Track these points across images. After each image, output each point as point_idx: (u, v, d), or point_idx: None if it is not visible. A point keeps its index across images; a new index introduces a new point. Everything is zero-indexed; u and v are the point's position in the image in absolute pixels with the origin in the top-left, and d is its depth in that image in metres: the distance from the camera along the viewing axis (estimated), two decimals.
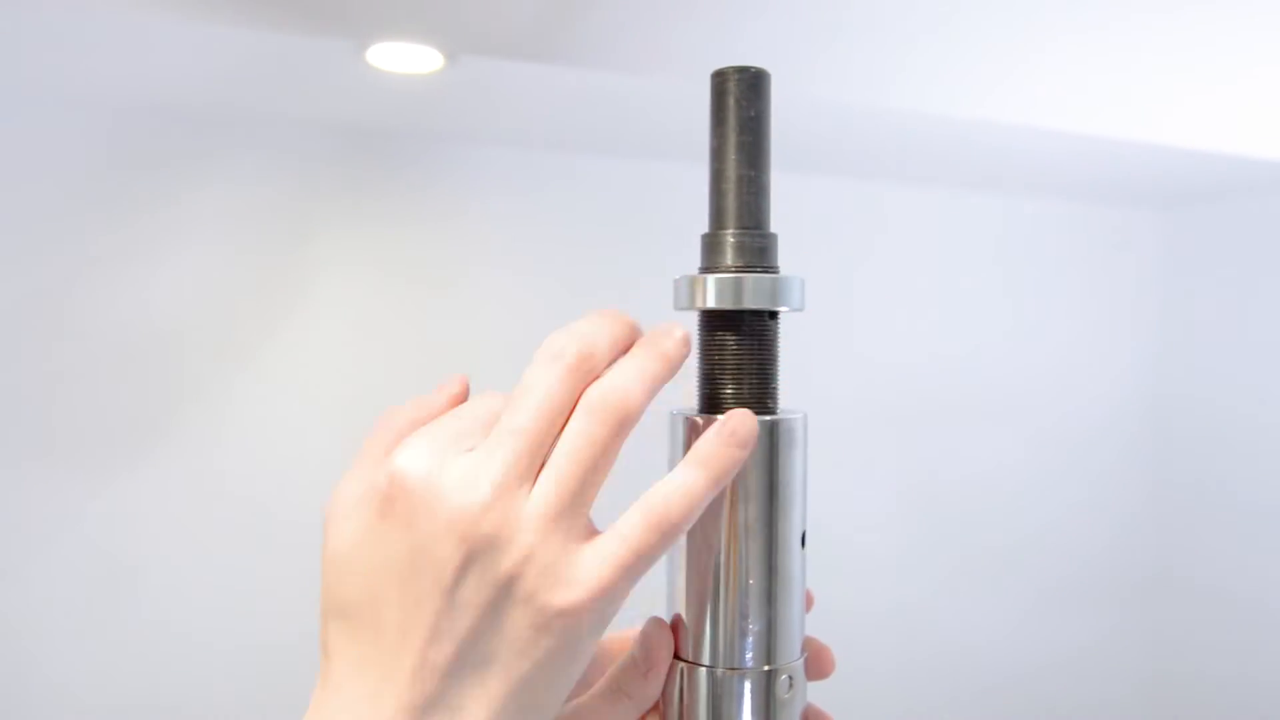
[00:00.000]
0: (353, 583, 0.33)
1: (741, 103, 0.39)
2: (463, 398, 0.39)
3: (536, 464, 0.33)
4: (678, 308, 0.40)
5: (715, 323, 0.39)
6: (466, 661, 0.32)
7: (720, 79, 0.39)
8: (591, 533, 0.34)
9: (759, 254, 0.39)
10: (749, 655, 0.38)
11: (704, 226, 0.40)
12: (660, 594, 0.41)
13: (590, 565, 0.32)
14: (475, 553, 0.31)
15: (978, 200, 1.85)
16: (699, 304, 0.38)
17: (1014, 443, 1.90)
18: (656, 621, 0.40)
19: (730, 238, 0.39)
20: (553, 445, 0.33)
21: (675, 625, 0.39)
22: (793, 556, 0.39)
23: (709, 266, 0.39)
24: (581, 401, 0.34)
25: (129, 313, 1.31)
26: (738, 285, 0.38)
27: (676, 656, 0.39)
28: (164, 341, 1.33)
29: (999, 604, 1.89)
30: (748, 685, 0.38)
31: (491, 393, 0.36)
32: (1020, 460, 1.91)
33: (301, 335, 1.40)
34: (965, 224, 1.85)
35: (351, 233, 1.43)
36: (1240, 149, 1.40)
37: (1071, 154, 1.49)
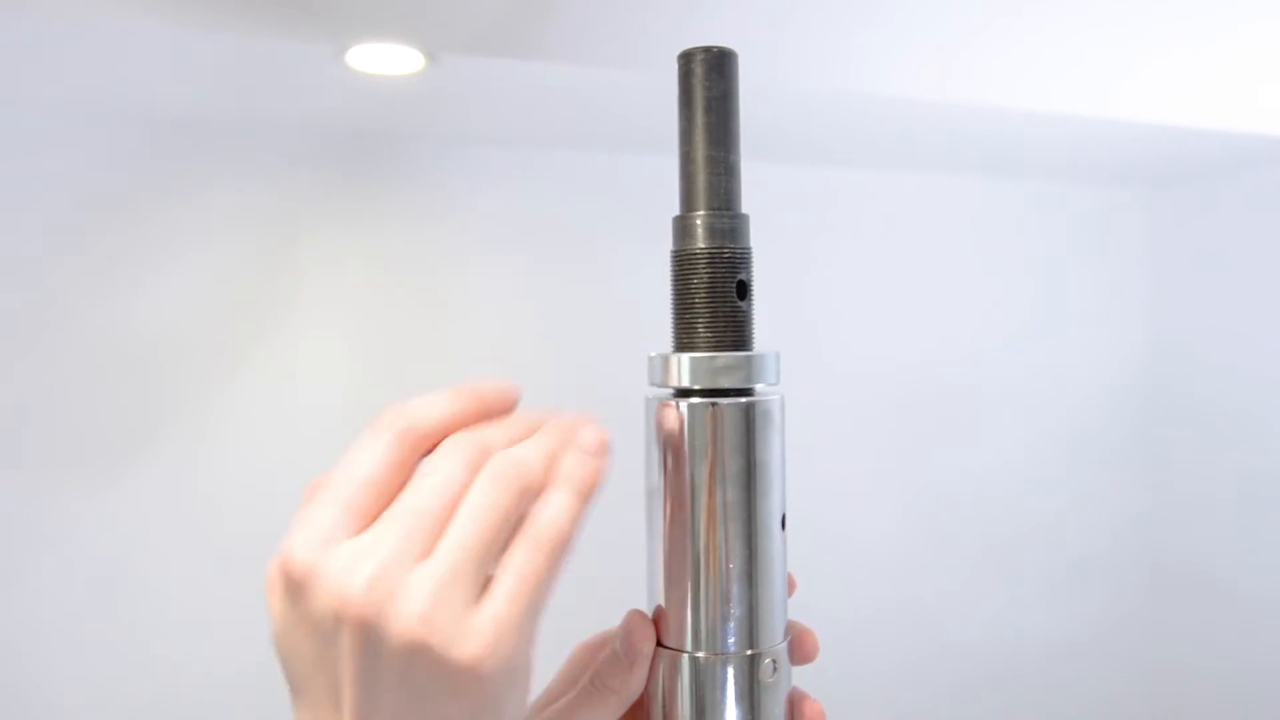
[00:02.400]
0: (289, 663, 0.34)
1: (707, 83, 0.39)
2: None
3: (431, 541, 0.32)
4: (651, 383, 0.40)
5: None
6: None
7: (686, 60, 0.39)
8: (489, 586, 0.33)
9: (729, 235, 0.39)
10: (731, 640, 0.38)
11: None
12: (643, 586, 0.40)
13: (486, 611, 0.31)
14: (368, 632, 0.31)
15: (960, 186, 1.84)
16: (673, 383, 0.39)
17: (1009, 435, 1.90)
18: (637, 614, 0.39)
19: (700, 220, 0.39)
20: (449, 518, 0.33)
21: (657, 616, 0.39)
22: (773, 539, 0.39)
23: (683, 248, 0.39)
24: (483, 471, 0.34)
25: (120, 321, 1.31)
26: (712, 363, 0.38)
27: (659, 644, 0.39)
28: (155, 349, 1.32)
29: (999, 597, 1.89)
30: (731, 670, 0.37)
31: (369, 447, 0.36)
32: (1016, 453, 1.90)
33: (293, 338, 1.40)
34: (949, 212, 1.85)
35: (339, 236, 1.43)
36: (1226, 123, 1.39)
37: (1057, 136, 1.49)
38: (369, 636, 0.30)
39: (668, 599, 0.39)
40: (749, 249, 0.39)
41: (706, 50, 0.39)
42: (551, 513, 0.34)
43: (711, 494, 0.38)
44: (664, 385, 0.39)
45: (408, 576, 0.31)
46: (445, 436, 0.36)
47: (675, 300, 0.39)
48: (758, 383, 0.38)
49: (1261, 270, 1.81)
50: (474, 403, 0.37)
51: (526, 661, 0.33)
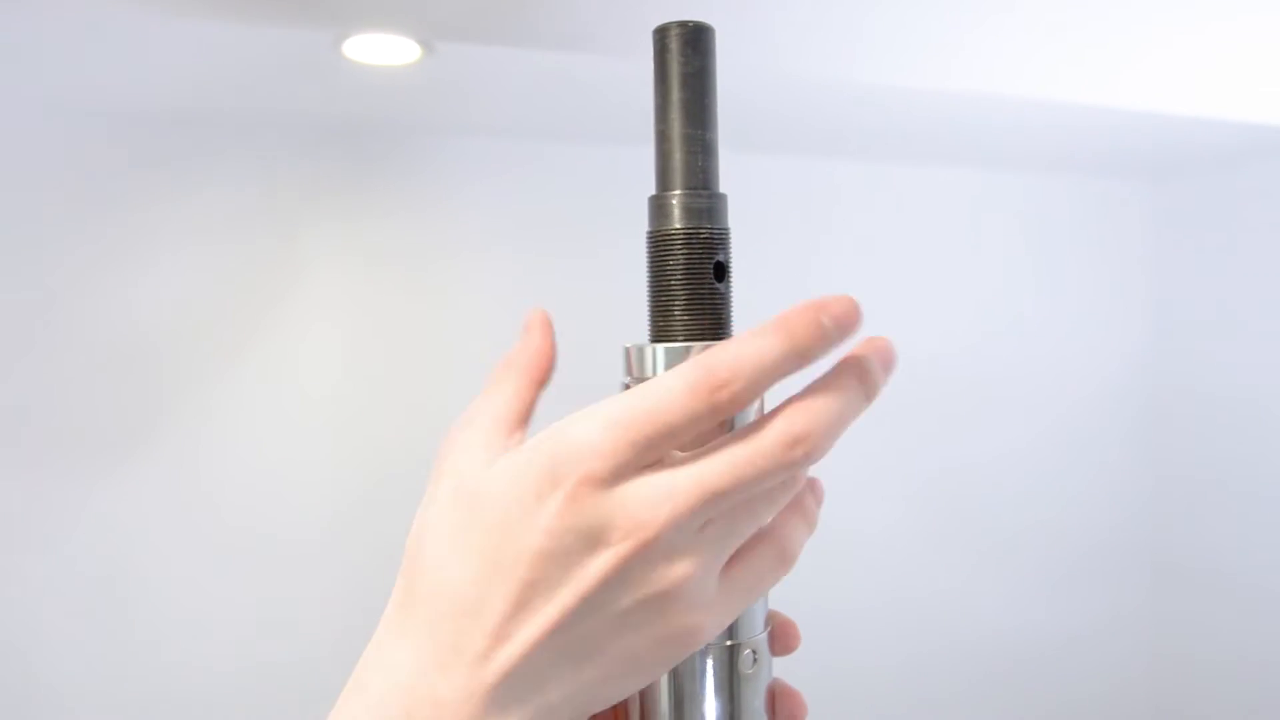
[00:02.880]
0: (484, 533, 0.32)
1: (682, 59, 0.37)
2: (548, 348, 0.42)
3: (720, 513, 0.32)
4: (627, 375, 0.38)
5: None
6: (569, 648, 0.32)
7: (661, 35, 0.38)
8: (724, 567, 0.34)
9: (706, 215, 0.38)
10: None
11: None
12: None
13: (725, 591, 0.33)
14: (636, 564, 0.31)
15: (961, 177, 1.82)
16: (648, 375, 0.37)
17: (1010, 429, 1.88)
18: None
19: (676, 199, 0.38)
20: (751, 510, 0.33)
21: None
22: None
23: (658, 228, 0.38)
24: (798, 496, 0.36)
25: (119, 316, 1.31)
26: (687, 354, 0.36)
27: None
28: (152, 344, 1.32)
29: (1000, 592, 1.87)
30: (710, 661, 0.36)
31: (678, 383, 0.31)
32: (1017, 447, 1.89)
33: (293, 332, 1.40)
34: (951, 204, 1.83)
35: (336, 229, 1.42)
36: (1228, 113, 1.37)
37: (1057, 126, 1.47)
38: (633, 570, 0.31)
39: None
40: (727, 230, 0.38)
41: (682, 25, 0.38)
42: (797, 536, 0.36)
43: None
44: (640, 378, 0.37)
45: (694, 538, 0.31)
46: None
47: (651, 284, 0.38)
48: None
49: (1263, 262, 1.78)
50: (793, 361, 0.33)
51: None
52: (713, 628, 0.33)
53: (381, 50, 1.06)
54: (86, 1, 0.91)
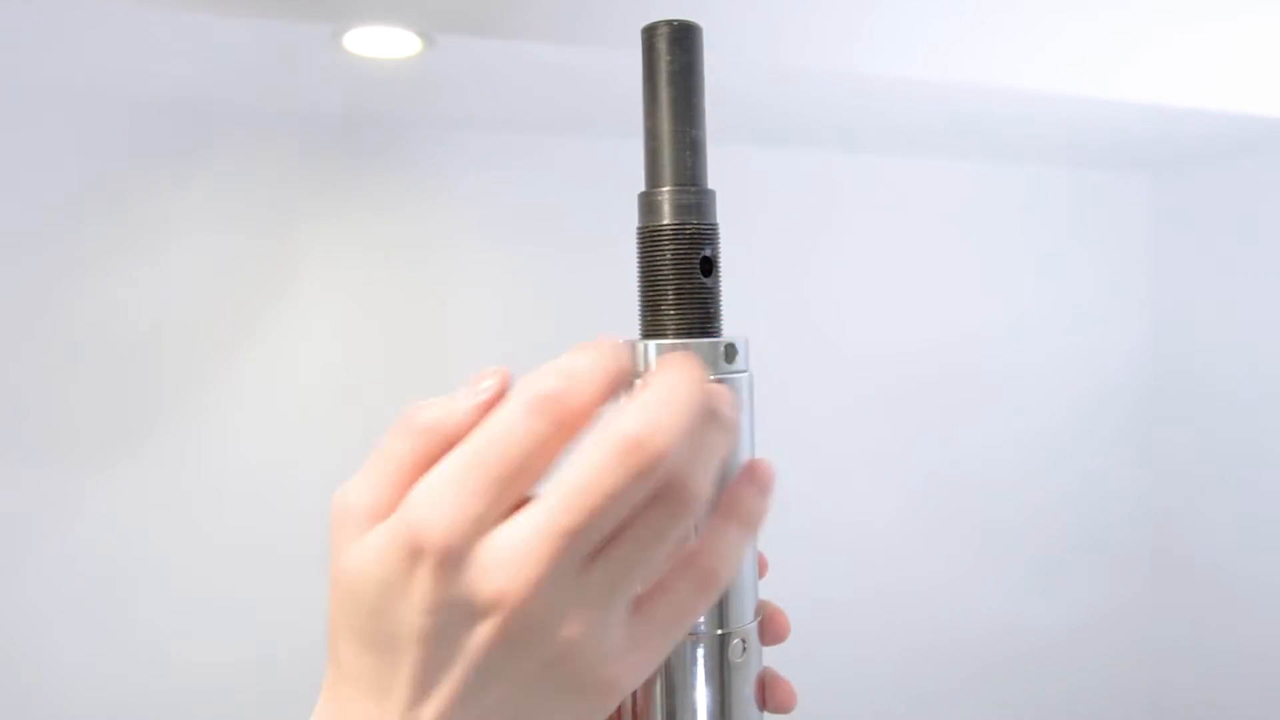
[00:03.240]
0: (361, 633, 0.32)
1: (669, 57, 0.38)
2: (495, 403, 0.33)
3: (591, 549, 0.30)
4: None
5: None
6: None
7: (649, 34, 0.39)
8: (634, 607, 0.32)
9: (694, 211, 0.38)
10: (700, 620, 0.37)
11: None
12: None
13: (640, 636, 0.31)
14: (520, 631, 0.29)
15: (963, 170, 1.82)
16: (639, 370, 0.37)
17: (1009, 421, 1.88)
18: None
19: (666, 196, 0.38)
20: (613, 535, 0.30)
21: None
22: None
23: (647, 224, 0.39)
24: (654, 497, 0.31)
25: (118, 310, 1.31)
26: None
27: None
28: (152, 339, 1.33)
29: (999, 583, 1.88)
30: (700, 650, 0.37)
31: (515, 408, 0.31)
32: (1016, 438, 1.89)
33: (293, 325, 1.40)
34: (951, 196, 1.83)
35: (335, 223, 1.43)
36: (1229, 106, 1.36)
37: (1058, 118, 1.46)
38: (517, 635, 0.29)
39: None
40: (715, 225, 0.39)
41: (669, 23, 0.38)
42: (724, 551, 0.33)
43: None
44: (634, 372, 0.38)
45: (575, 586, 0.29)
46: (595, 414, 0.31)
47: (641, 280, 0.39)
48: (725, 370, 0.38)
49: (1263, 254, 1.78)
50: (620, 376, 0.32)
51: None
52: (630, 677, 0.31)
53: (381, 43, 1.06)
54: None
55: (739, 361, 0.38)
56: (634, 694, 0.38)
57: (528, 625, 0.29)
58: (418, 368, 1.47)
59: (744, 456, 0.38)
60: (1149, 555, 2.00)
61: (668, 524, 0.30)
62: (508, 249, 1.51)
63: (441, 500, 0.29)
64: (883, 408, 1.77)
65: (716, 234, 0.39)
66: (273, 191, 1.39)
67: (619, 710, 0.38)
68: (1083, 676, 1.95)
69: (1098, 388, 1.96)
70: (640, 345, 0.37)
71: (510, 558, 0.29)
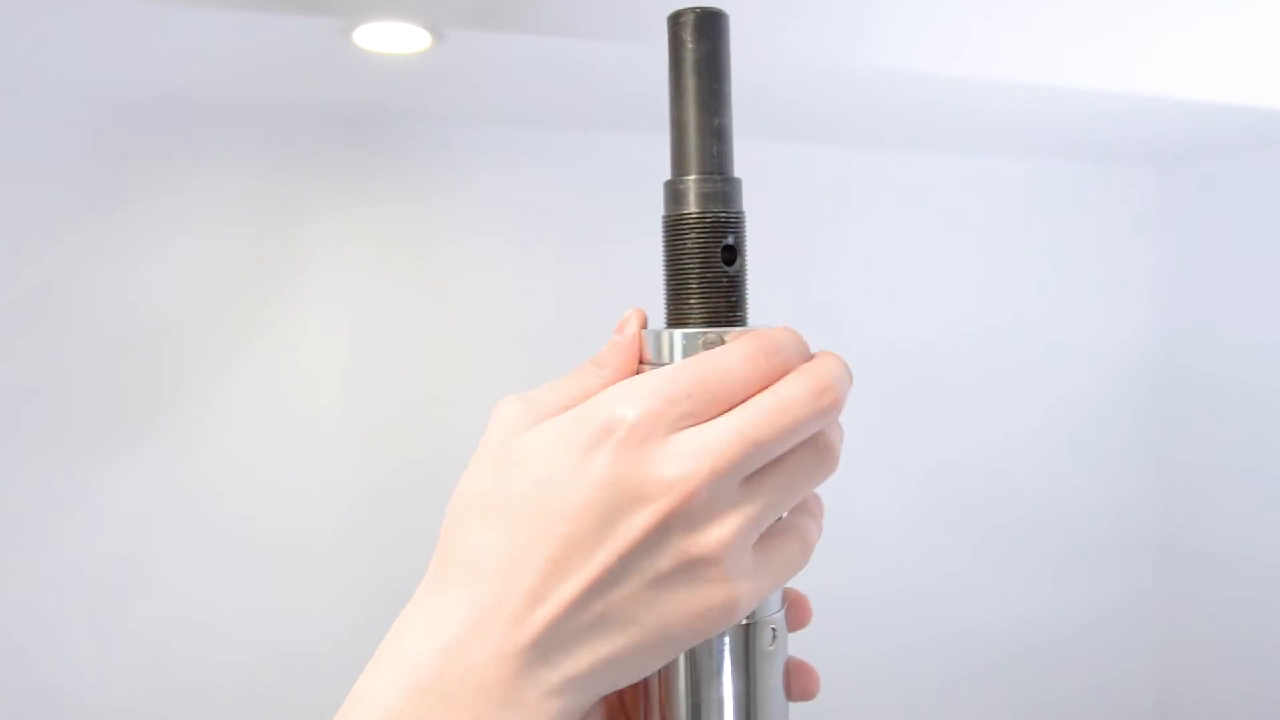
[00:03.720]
0: (525, 493, 0.32)
1: (694, 44, 0.38)
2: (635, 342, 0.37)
3: (757, 470, 0.32)
4: (645, 360, 0.38)
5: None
6: (604, 613, 0.31)
7: (674, 21, 0.38)
8: (760, 541, 0.34)
9: (718, 199, 0.38)
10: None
11: None
12: None
13: (769, 565, 0.34)
14: (676, 523, 0.30)
15: (968, 164, 1.82)
16: (665, 360, 0.37)
17: (1018, 416, 1.88)
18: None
19: (692, 184, 0.38)
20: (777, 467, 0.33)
21: None
22: None
23: (671, 213, 0.38)
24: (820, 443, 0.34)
25: (127, 304, 1.32)
26: (703, 339, 0.36)
27: None
28: (161, 333, 1.33)
29: (1008, 577, 1.87)
30: (727, 640, 0.37)
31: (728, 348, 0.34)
32: (1022, 433, 1.88)
33: (301, 319, 1.40)
34: (957, 190, 1.82)
35: (344, 216, 1.43)
36: (1238, 99, 1.36)
37: (1066, 111, 1.46)
38: (674, 524, 0.30)
39: None
40: (740, 213, 0.38)
41: (694, 10, 0.38)
42: (811, 535, 0.36)
43: None
44: (656, 363, 0.38)
45: (737, 495, 0.31)
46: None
47: (666, 269, 0.39)
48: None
49: (1269, 249, 1.77)
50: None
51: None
52: (747, 602, 0.32)
53: (392, 38, 1.06)
54: None
55: None
56: (661, 684, 0.37)
57: (688, 517, 0.30)
58: (427, 362, 1.47)
59: None
60: (1155, 550, 2.00)
61: (816, 469, 0.34)
62: (517, 242, 1.51)
63: (638, 396, 0.31)
64: (888, 402, 1.77)
65: (742, 222, 0.39)
66: (281, 185, 1.39)
67: (647, 697, 0.38)
68: (1090, 672, 1.95)
69: (1104, 382, 1.96)
70: (666, 334, 0.37)
71: (695, 451, 0.30)
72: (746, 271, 0.39)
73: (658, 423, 0.31)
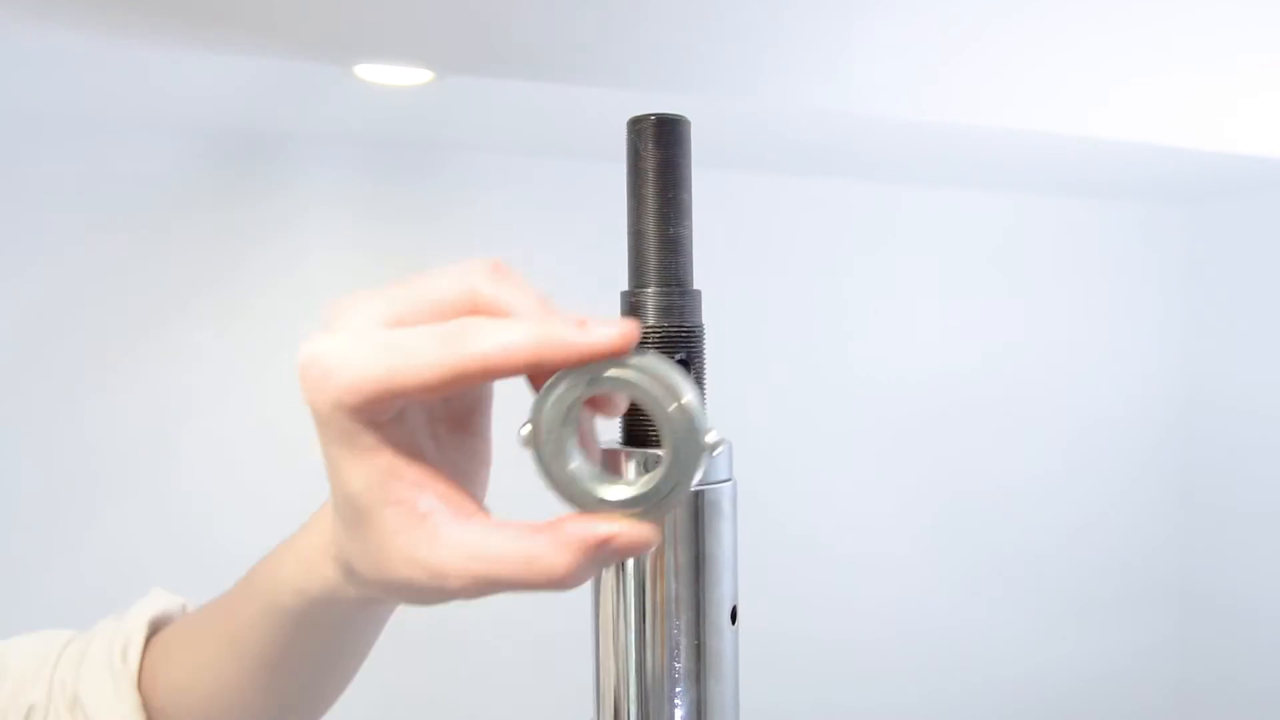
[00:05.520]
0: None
1: (654, 152, 0.37)
2: None
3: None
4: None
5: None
6: None
7: (633, 128, 0.37)
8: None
9: (676, 313, 0.37)
10: None
11: None
12: (589, 679, 0.39)
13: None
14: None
15: (992, 200, 1.79)
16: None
17: (1036, 452, 1.85)
18: None
19: (649, 296, 0.37)
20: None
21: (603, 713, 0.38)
22: (722, 635, 0.37)
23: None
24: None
25: (126, 328, 1.32)
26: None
27: None
28: (165, 358, 1.33)
29: (1026, 622, 1.84)
30: None
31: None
32: (1043, 470, 1.85)
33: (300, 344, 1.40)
34: (979, 225, 1.80)
35: (353, 239, 1.43)
36: (1261, 145, 1.34)
37: (1088, 154, 1.44)
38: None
39: (615, 695, 0.37)
40: (697, 327, 0.37)
41: (652, 118, 0.37)
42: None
43: (657, 587, 0.36)
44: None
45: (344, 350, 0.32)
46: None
47: None
48: (706, 480, 0.36)
49: None
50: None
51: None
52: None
53: (393, 73, 1.06)
54: (133, 34, 0.92)
55: (721, 468, 0.37)
56: None
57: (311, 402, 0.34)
58: None
59: (725, 567, 0.37)
60: (1178, 596, 1.95)
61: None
62: (521, 266, 1.50)
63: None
64: (902, 440, 1.74)
65: (698, 335, 0.37)
66: (283, 212, 1.39)
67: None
68: (1107, 713, 1.91)
69: (1126, 422, 1.92)
70: (621, 453, 0.36)
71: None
72: (703, 384, 0.38)
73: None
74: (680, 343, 0.37)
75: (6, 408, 1.26)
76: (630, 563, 0.36)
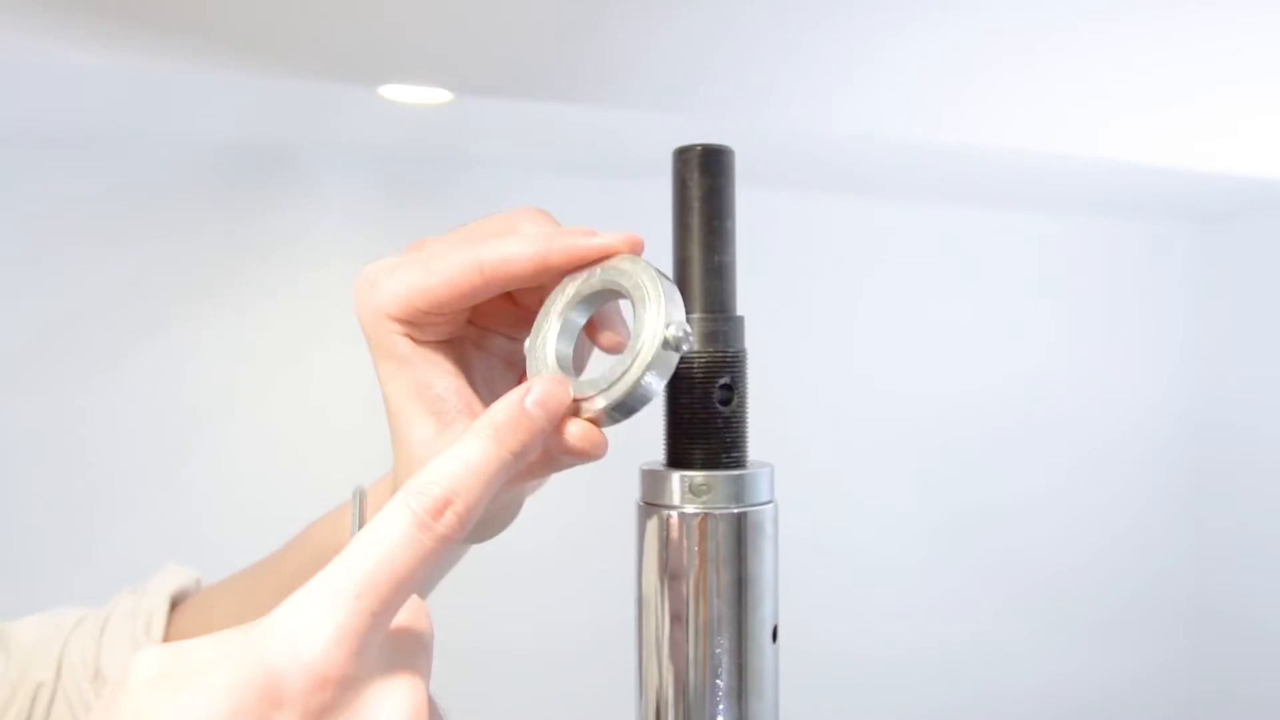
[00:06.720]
0: None
1: (699, 181, 0.38)
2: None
3: None
4: (643, 498, 0.38)
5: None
6: None
7: (679, 158, 0.38)
8: None
9: (721, 339, 0.38)
10: None
11: None
12: (633, 697, 0.39)
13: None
14: None
15: (1007, 220, 1.80)
16: (662, 500, 0.37)
17: (1051, 476, 1.85)
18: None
19: (696, 324, 0.38)
20: None
21: None
22: (764, 654, 0.37)
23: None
24: None
25: (143, 344, 1.33)
26: (701, 483, 0.36)
27: None
28: (181, 376, 1.34)
29: (1040, 641, 1.84)
30: None
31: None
32: (1059, 494, 1.85)
33: (323, 358, 1.41)
34: (995, 245, 1.81)
35: (372, 256, 1.43)
36: (1274, 171, 1.35)
37: (1103, 175, 1.45)
38: None
39: (657, 711, 0.38)
40: (740, 352, 0.38)
41: (698, 148, 0.38)
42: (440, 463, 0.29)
43: (700, 607, 0.37)
44: (654, 501, 0.37)
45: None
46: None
47: (666, 408, 0.38)
48: (748, 503, 0.37)
49: None
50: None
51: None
52: None
53: (414, 93, 1.08)
54: (168, 59, 0.94)
55: (762, 491, 0.38)
56: None
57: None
58: None
59: (767, 587, 0.38)
60: (1190, 615, 1.95)
61: None
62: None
63: (317, 639, 0.25)
64: (918, 460, 1.75)
65: (741, 361, 0.38)
66: (304, 228, 1.40)
67: None
68: None
69: (1139, 443, 1.92)
70: (664, 475, 0.37)
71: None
72: (746, 409, 0.38)
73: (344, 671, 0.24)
74: (725, 368, 0.37)
75: (21, 414, 1.27)
76: (677, 582, 0.37)
